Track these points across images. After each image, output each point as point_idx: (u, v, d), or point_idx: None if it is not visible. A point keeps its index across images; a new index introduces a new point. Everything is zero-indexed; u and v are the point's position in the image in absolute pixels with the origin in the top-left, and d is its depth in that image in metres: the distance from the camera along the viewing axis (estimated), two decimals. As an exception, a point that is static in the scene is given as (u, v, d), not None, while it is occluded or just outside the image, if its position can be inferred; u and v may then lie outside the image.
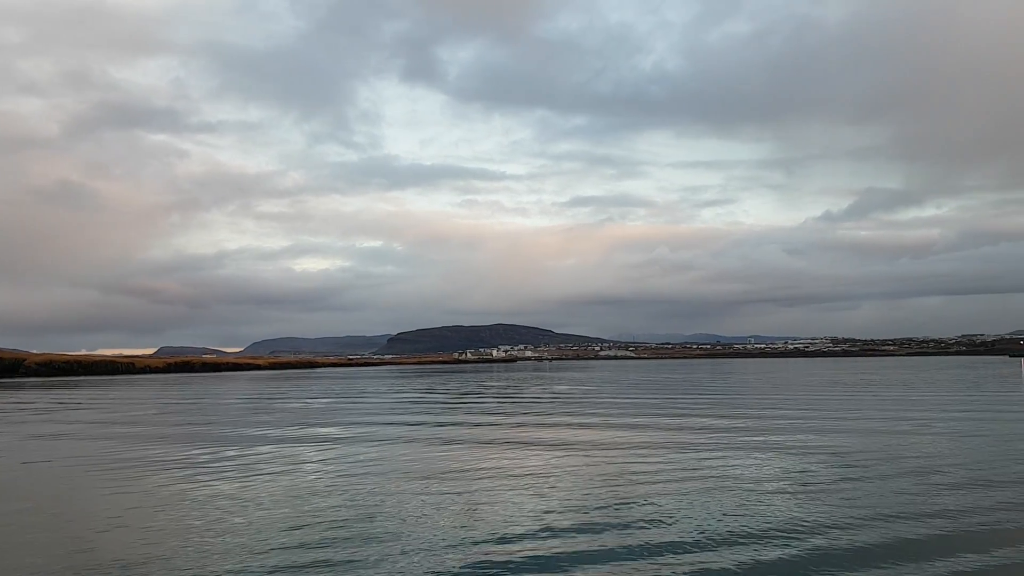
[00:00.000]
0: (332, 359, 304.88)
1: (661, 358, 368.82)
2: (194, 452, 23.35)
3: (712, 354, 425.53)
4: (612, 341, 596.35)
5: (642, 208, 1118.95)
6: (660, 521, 12.93)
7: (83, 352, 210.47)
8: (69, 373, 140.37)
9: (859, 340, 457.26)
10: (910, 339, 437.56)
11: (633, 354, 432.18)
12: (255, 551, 11.41)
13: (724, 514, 13.32)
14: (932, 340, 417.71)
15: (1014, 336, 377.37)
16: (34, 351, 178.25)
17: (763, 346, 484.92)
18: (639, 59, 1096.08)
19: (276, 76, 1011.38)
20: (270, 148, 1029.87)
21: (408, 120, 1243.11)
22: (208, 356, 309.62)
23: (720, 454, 20.71)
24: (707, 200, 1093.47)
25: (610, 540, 11.76)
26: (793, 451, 21.16)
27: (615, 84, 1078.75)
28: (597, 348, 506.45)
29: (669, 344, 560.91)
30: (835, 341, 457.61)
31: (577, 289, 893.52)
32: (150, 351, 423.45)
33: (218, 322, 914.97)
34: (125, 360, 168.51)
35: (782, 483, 16.31)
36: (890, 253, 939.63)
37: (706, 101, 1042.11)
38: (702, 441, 23.79)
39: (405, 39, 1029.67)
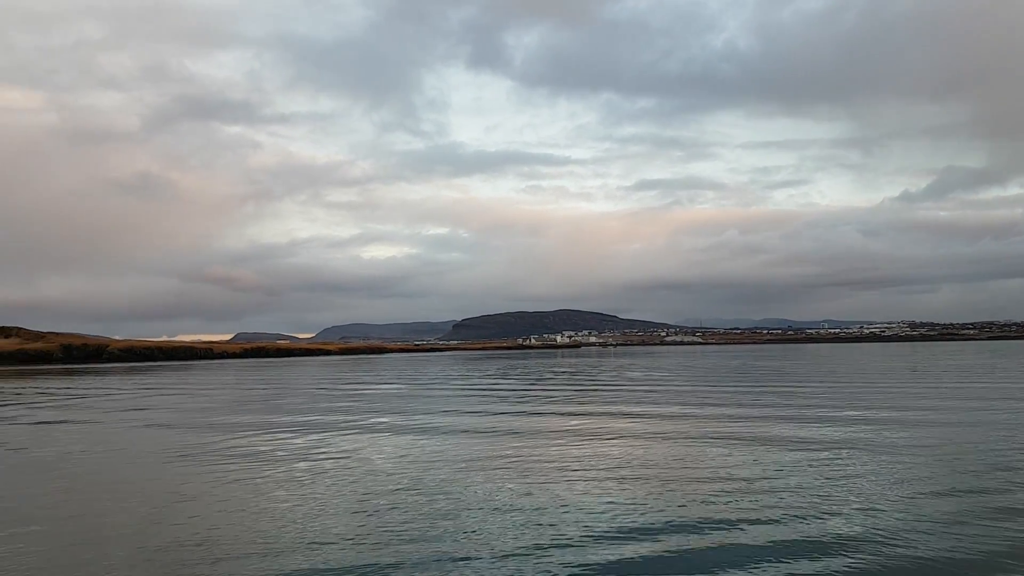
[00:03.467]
0: (399, 344, 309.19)
1: (730, 343, 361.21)
2: (263, 439, 23.33)
3: (783, 339, 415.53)
4: (678, 326, 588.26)
5: (711, 191, 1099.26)
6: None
7: (163, 338, 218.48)
8: (150, 359, 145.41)
9: (938, 324, 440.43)
10: (991, 323, 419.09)
11: (700, 339, 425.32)
12: (321, 540, 10.99)
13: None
14: (1015, 324, 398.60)
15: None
16: (117, 337, 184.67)
17: (837, 331, 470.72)
18: (710, 38, 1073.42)
19: (346, 66, 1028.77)
20: (340, 138, 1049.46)
21: (474, 107, 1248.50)
22: (282, 341, 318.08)
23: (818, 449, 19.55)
24: (779, 181, 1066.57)
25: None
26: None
27: (684, 64, 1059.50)
28: (663, 334, 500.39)
29: (738, 329, 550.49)
30: (912, 325, 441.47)
31: (642, 274, 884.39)
32: (227, 336, 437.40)
33: (291, 308, 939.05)
34: (203, 346, 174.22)
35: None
36: (971, 234, 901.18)
37: (778, 79, 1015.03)
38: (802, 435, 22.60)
39: (471, 25, 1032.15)
